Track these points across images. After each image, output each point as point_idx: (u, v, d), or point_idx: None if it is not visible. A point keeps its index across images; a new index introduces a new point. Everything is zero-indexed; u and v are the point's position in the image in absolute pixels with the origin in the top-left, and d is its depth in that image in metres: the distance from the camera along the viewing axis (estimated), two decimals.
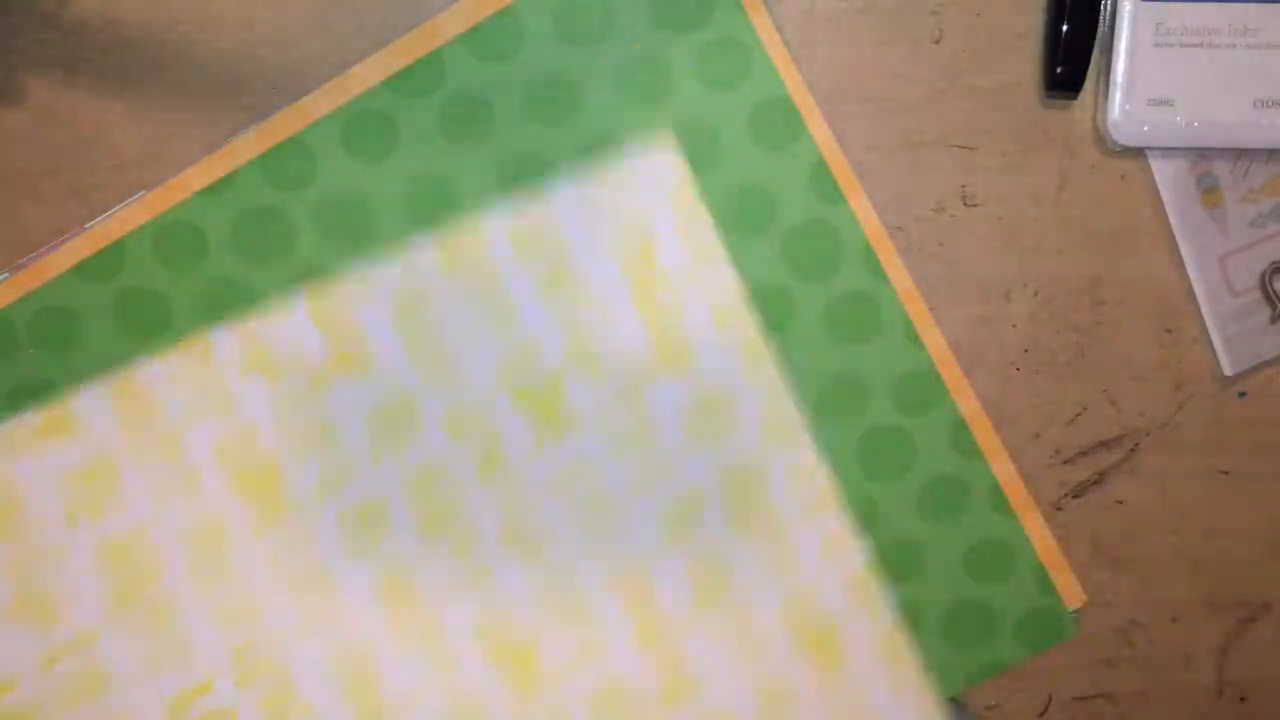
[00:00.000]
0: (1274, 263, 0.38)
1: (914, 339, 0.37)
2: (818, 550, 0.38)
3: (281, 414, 0.36)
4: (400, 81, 0.36)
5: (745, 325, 0.37)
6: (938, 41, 0.37)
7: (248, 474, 0.37)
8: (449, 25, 0.35)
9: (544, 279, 0.37)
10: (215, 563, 0.37)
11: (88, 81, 0.36)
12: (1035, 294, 0.38)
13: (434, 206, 0.36)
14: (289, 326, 0.36)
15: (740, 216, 0.37)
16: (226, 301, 0.36)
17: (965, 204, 0.38)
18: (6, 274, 0.36)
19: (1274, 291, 0.38)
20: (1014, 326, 0.38)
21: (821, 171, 0.37)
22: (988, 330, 0.38)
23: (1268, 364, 0.38)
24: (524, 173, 0.36)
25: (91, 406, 0.36)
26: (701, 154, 0.36)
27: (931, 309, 0.38)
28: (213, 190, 0.36)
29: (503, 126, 0.36)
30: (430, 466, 0.37)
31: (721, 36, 0.36)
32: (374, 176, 0.36)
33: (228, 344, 0.36)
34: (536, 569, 0.37)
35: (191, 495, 0.37)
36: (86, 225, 0.36)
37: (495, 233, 0.36)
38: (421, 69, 0.36)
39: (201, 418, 0.36)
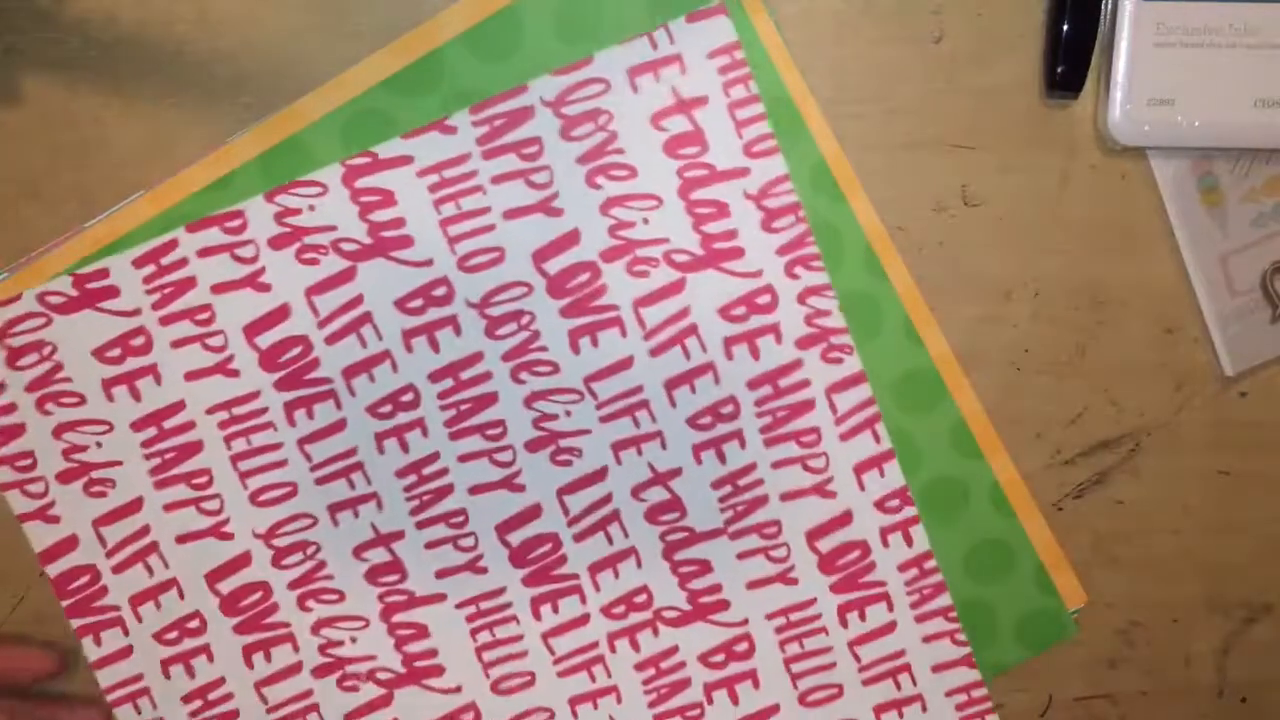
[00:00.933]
0: (1274, 263, 0.38)
1: (915, 339, 0.37)
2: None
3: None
4: (400, 81, 0.36)
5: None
6: (938, 41, 0.37)
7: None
8: (449, 24, 0.35)
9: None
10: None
11: (88, 81, 0.36)
12: (1035, 294, 0.38)
13: None
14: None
15: None
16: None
17: (965, 204, 0.37)
18: (6, 274, 0.36)
19: (1274, 291, 0.38)
20: (1014, 326, 0.38)
21: (822, 172, 0.37)
22: (988, 330, 0.38)
23: (1268, 364, 0.38)
24: None
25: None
26: None
27: (932, 309, 0.38)
28: (212, 189, 0.36)
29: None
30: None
31: None
32: None
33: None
34: None
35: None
36: (86, 225, 0.36)
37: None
38: (421, 68, 0.36)
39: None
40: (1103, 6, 0.36)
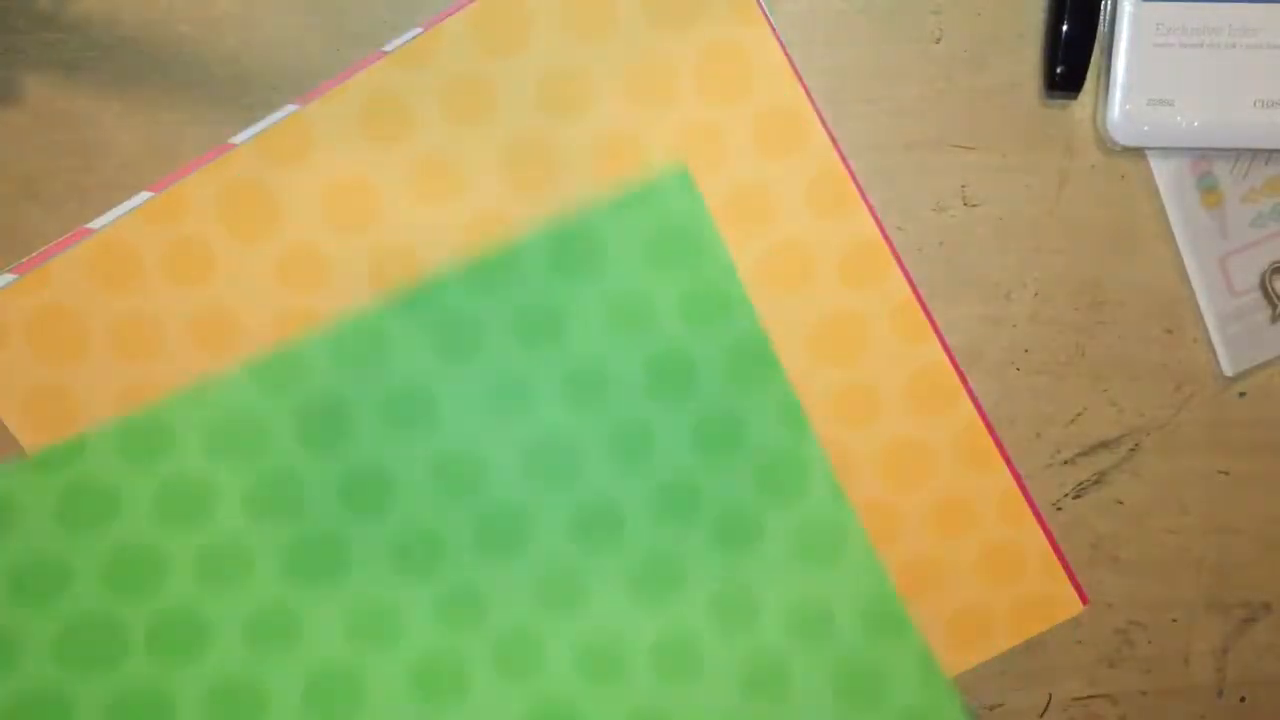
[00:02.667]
0: (1274, 263, 0.38)
1: (876, 565, 0.38)
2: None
3: None
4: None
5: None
6: (938, 41, 0.37)
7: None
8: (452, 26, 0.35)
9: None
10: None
11: (88, 81, 0.36)
12: (1035, 294, 0.38)
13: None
14: None
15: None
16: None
17: (965, 204, 0.38)
18: (7, 273, 0.36)
19: (1274, 291, 0.38)
20: (1014, 326, 0.38)
21: (791, 409, 0.37)
22: (987, 330, 0.38)
23: (1268, 364, 0.38)
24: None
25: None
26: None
27: (932, 309, 0.38)
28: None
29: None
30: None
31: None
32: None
33: None
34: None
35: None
36: (86, 225, 0.36)
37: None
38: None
39: None
40: (1102, 6, 0.36)
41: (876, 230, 0.37)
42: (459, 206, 0.36)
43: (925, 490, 0.38)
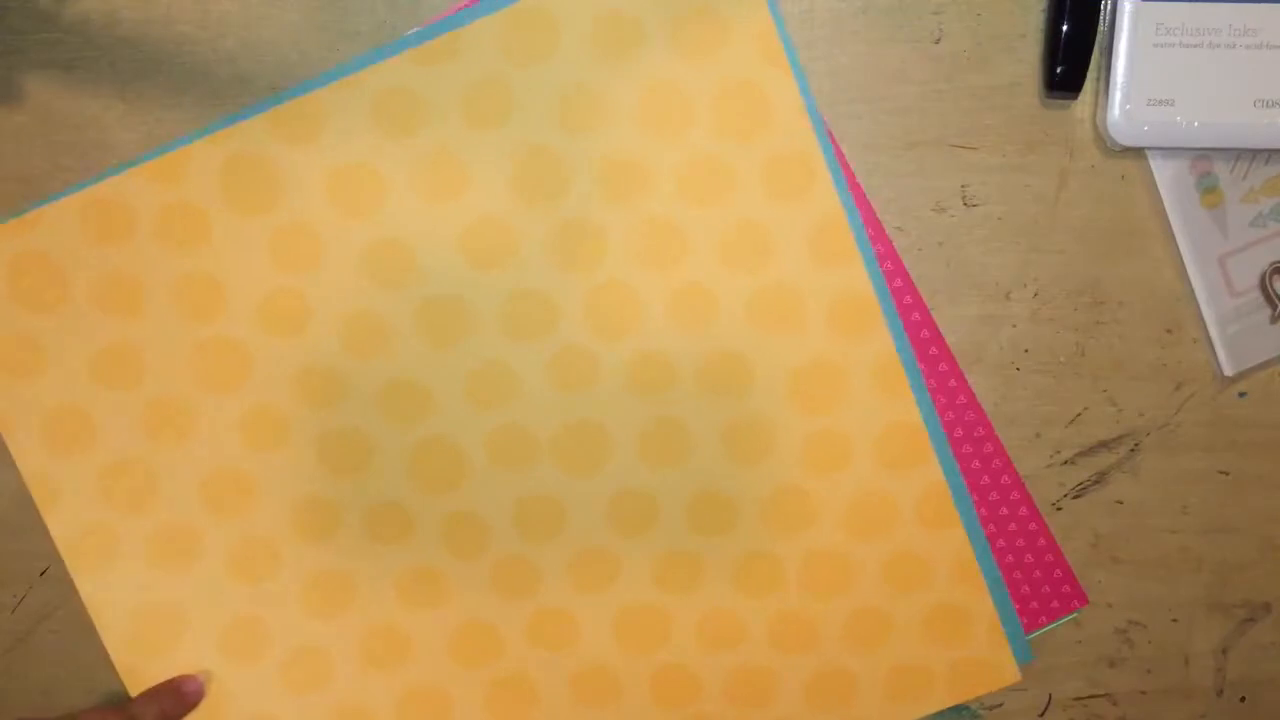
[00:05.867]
0: (1273, 263, 0.38)
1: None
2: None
3: None
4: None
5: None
6: (938, 41, 0.37)
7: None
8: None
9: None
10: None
11: (88, 81, 0.36)
12: (1035, 294, 0.38)
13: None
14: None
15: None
16: None
17: (965, 204, 0.37)
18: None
19: (1274, 291, 0.38)
20: (1014, 326, 0.38)
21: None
22: (988, 330, 0.38)
23: (1268, 364, 0.38)
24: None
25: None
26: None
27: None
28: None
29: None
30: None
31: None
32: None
33: None
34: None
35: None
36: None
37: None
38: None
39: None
40: (1102, 7, 0.36)
41: (869, 285, 0.37)
42: (461, 206, 0.36)
43: (883, 543, 0.38)
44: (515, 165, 0.36)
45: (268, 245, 0.36)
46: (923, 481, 0.38)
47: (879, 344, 0.37)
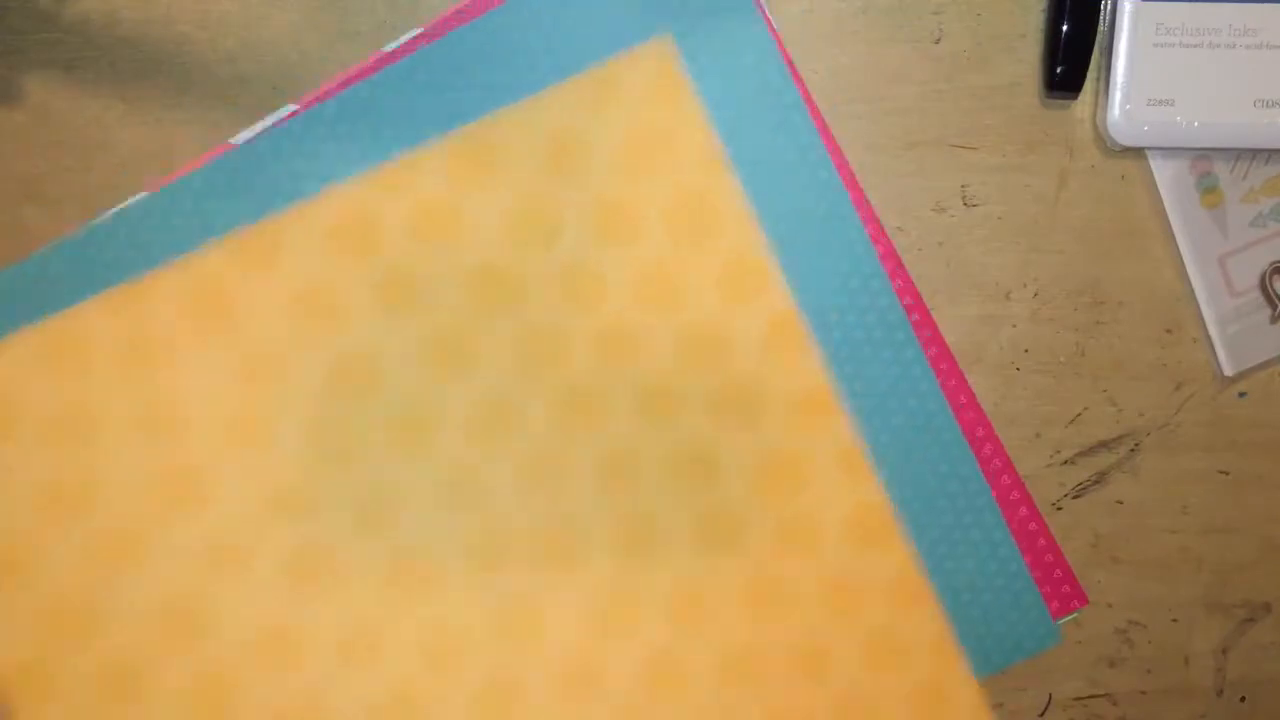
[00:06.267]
0: (1274, 263, 0.38)
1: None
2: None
3: None
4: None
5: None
6: (938, 41, 0.37)
7: None
8: None
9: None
10: None
11: (88, 81, 0.36)
12: (1035, 294, 0.38)
13: None
14: None
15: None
16: None
17: (965, 204, 0.38)
18: None
19: (1274, 291, 0.38)
20: (1014, 326, 0.38)
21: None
22: (988, 330, 0.38)
23: (1268, 364, 0.38)
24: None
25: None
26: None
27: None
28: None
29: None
30: None
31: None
32: None
33: None
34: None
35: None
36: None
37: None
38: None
39: None
40: (1102, 6, 0.36)
41: (824, 378, 0.37)
42: (421, 321, 0.36)
43: (857, 628, 0.38)
44: (471, 281, 0.36)
45: (231, 370, 0.36)
46: (890, 563, 0.38)
47: (840, 433, 0.37)
